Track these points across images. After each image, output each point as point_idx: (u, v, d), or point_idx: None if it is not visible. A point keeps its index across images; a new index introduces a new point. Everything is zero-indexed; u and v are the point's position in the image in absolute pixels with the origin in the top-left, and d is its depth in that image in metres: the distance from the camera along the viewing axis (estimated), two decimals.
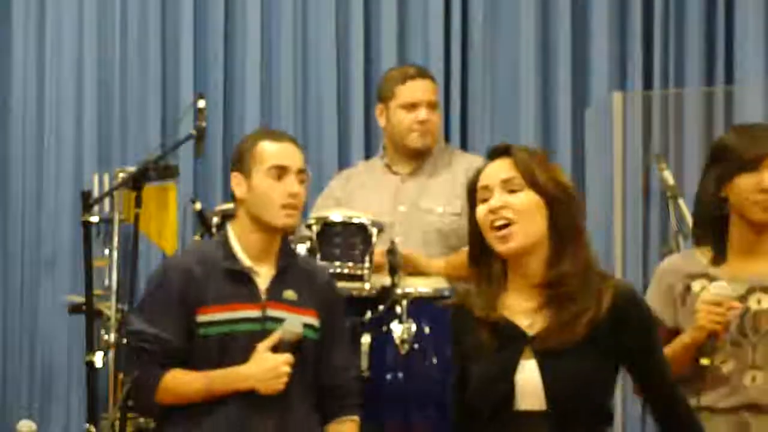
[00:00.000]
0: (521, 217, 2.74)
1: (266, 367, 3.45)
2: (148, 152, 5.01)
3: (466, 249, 4.44)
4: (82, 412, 5.08)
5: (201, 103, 4.70)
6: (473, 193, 2.82)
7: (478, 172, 2.83)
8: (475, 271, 2.85)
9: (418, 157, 4.70)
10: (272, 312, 3.52)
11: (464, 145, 5.67)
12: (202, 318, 3.49)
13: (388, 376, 4.26)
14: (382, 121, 4.75)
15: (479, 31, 5.86)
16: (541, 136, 5.79)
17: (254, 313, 3.51)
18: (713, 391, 3.23)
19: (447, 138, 5.45)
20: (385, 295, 4.26)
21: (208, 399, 3.47)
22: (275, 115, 5.79)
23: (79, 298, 4.96)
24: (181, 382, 3.49)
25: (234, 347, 3.48)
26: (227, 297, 3.51)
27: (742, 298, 3.23)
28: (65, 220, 5.62)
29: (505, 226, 2.74)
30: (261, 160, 3.55)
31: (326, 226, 4.32)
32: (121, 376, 4.44)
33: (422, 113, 4.64)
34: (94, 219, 4.73)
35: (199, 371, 3.48)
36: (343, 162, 5.67)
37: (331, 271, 4.27)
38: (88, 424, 4.51)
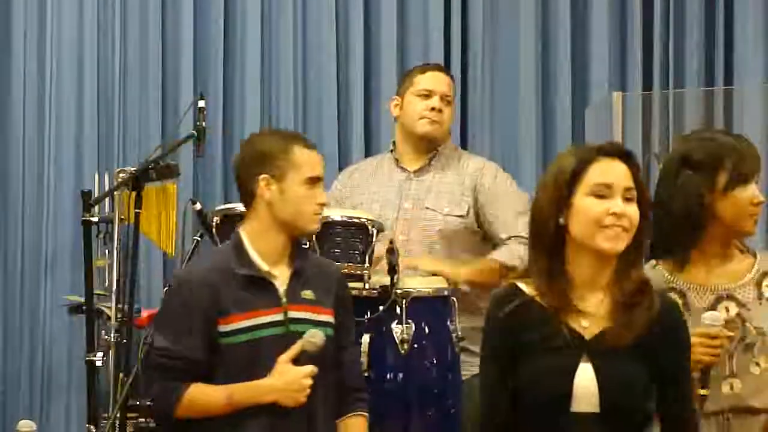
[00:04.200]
0: (632, 228, 2.84)
1: (288, 380, 3.45)
2: (148, 152, 5.01)
3: (488, 258, 4.50)
4: (82, 412, 5.07)
5: (201, 103, 4.70)
6: (576, 176, 2.85)
7: (587, 162, 2.85)
8: (545, 264, 2.87)
9: (426, 148, 4.72)
10: (294, 314, 3.54)
11: (464, 145, 5.67)
12: (224, 328, 3.49)
13: (388, 376, 4.26)
14: (396, 112, 4.78)
15: (479, 32, 5.86)
16: (541, 136, 5.79)
17: (277, 316, 3.52)
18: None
19: None
20: (385, 295, 4.26)
21: (231, 412, 3.47)
22: (275, 114, 5.79)
23: (79, 298, 4.96)
24: (204, 396, 3.49)
25: (260, 353, 3.48)
26: (248, 304, 3.51)
27: (711, 307, 3.24)
28: (65, 220, 5.61)
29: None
30: (297, 167, 3.57)
31: (326, 225, 4.32)
32: (121, 376, 4.43)
33: (435, 101, 4.69)
34: (94, 219, 4.72)
35: (225, 381, 3.48)
36: (343, 161, 5.67)
37: None
38: (88, 424, 4.51)
